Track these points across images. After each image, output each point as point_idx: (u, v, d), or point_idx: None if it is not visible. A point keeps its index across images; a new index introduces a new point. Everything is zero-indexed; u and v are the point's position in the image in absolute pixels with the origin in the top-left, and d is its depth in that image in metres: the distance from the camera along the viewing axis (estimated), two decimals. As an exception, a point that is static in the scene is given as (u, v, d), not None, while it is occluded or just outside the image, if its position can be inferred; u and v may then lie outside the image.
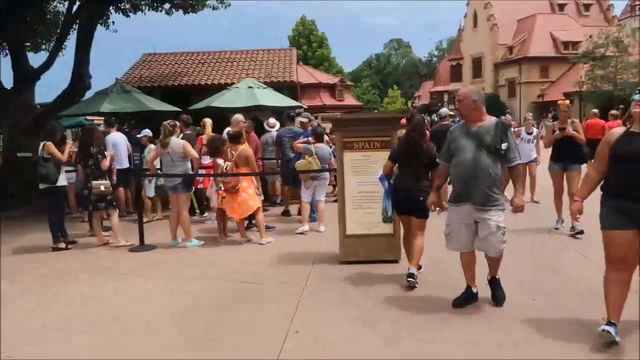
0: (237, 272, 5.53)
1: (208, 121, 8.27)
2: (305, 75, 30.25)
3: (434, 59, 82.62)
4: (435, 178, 4.59)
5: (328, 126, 14.21)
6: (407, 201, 4.81)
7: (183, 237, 6.87)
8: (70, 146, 6.99)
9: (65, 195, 6.89)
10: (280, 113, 10.23)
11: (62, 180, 6.90)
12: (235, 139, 6.80)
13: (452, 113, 9.48)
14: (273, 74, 14.33)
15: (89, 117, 13.01)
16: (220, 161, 6.87)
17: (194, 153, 6.84)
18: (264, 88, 10.87)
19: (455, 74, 51.82)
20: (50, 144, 6.81)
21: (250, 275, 5.41)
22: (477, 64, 48.59)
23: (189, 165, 6.93)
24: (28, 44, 12.79)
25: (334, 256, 5.85)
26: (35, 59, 12.49)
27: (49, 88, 12.39)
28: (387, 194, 4.91)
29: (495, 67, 45.98)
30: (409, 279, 4.66)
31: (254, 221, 7.11)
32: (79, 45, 11.97)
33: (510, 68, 43.92)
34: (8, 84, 11.90)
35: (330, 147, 10.66)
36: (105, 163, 6.84)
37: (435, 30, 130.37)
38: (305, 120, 8.45)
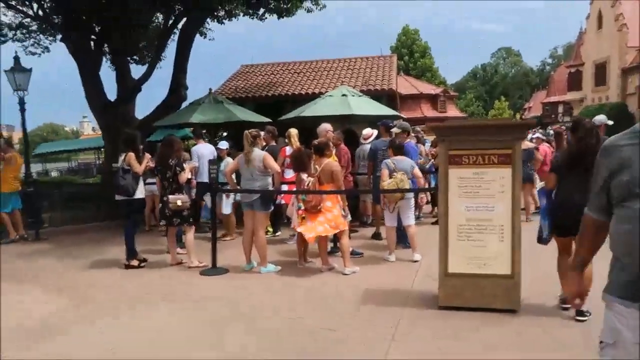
0: (313, 312, 4.60)
1: (294, 132, 7.52)
2: (406, 85, 29.02)
3: (547, 67, 76.79)
4: None
5: (430, 139, 13.00)
6: (573, 221, 3.55)
7: (258, 262, 6.11)
8: (148, 159, 6.59)
9: (141, 209, 6.52)
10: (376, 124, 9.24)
11: (140, 193, 6.51)
12: (320, 150, 5.92)
13: (609, 122, 7.58)
14: (371, 82, 13.39)
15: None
16: (304, 176, 6.03)
17: (275, 166, 6.07)
18: (359, 96, 9.96)
19: (574, 82, 47.01)
20: (131, 155, 6.46)
21: (328, 317, 4.45)
22: (600, 70, 43.55)
23: (270, 180, 6.18)
24: (134, 57, 13.17)
25: (431, 297, 4.70)
26: (136, 72, 12.79)
27: (147, 103, 12.42)
28: (544, 211, 4.33)
29: (623, 73, 40.79)
30: (578, 318, 4.04)
31: (338, 244, 6.16)
32: (177, 55, 12.02)
33: (642, 74, 38.71)
34: (111, 96, 12.25)
35: (430, 160, 9.49)
36: (184, 176, 6.32)
37: (549, 37, 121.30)
38: (398, 131, 7.32)
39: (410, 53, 44.89)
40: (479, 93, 72.54)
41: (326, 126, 6.71)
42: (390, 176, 6.12)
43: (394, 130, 7.36)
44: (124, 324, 4.49)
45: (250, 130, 6.19)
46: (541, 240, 4.38)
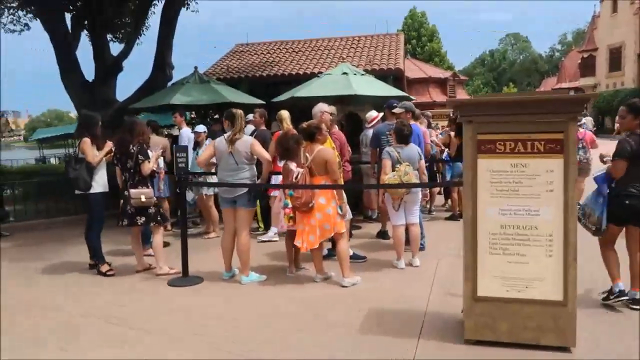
0: (300, 344, 3.54)
1: (285, 114, 6.40)
2: (414, 69, 27.73)
3: (557, 53, 74.94)
4: None
5: (441, 124, 11.84)
6: (635, 212, 3.84)
7: (239, 268, 5.06)
8: (111, 147, 5.50)
9: (102, 204, 5.47)
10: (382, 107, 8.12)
11: (99, 187, 5.44)
12: (310, 135, 4.82)
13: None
14: (376, 62, 12.18)
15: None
16: (293, 166, 4.94)
17: (266, 154, 4.99)
18: (362, 74, 8.81)
19: (587, 68, 45.49)
20: (85, 141, 5.40)
21: (318, 350, 3.39)
22: (615, 55, 41.96)
23: (256, 171, 5.10)
24: (116, 35, 12.05)
25: (454, 325, 3.64)
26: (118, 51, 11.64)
27: (131, 86, 11.27)
28: (604, 199, 3.94)
29: (639, 58, 39.28)
30: (633, 307, 3.83)
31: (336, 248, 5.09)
32: (161, 29, 10.90)
33: (659, 58, 37.14)
34: (90, 77, 11.15)
35: (433, 149, 8.34)
36: (148, 166, 5.24)
37: (558, 24, 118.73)
38: (400, 111, 6.17)
39: (418, 36, 43.36)
40: (487, 79, 70.93)
41: (322, 106, 5.60)
42: (394, 168, 5.04)
43: (396, 110, 6.23)
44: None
45: (238, 111, 5.10)
46: (599, 232, 3.98)
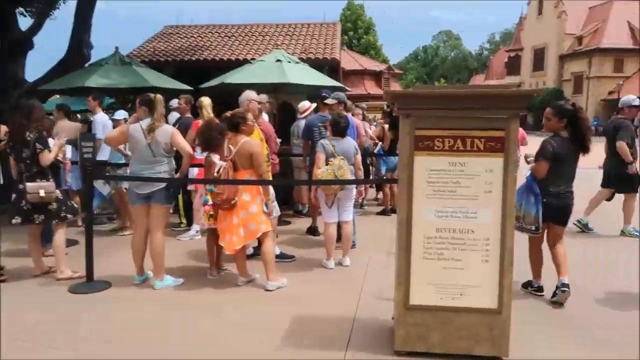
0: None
1: (206, 101, 5.87)
2: (350, 60, 27.67)
3: (485, 52, 78.49)
4: None
5: (372, 116, 11.71)
6: (561, 208, 4.06)
7: (153, 271, 4.54)
8: (5, 131, 4.75)
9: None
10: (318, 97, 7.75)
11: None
12: (234, 125, 4.37)
13: (635, 103, 6.34)
14: (311, 50, 11.81)
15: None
16: (216, 158, 4.47)
17: (187, 147, 4.47)
18: (297, 62, 8.41)
19: (513, 67, 47.84)
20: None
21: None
22: (539, 55, 44.38)
23: (174, 164, 4.58)
24: (23, 9, 10.81)
25: (385, 334, 3.39)
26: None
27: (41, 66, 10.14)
28: (536, 197, 4.00)
29: (560, 60, 41.76)
30: (563, 289, 3.97)
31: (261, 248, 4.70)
32: (79, 6, 9.90)
33: (578, 61, 39.64)
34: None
35: (367, 142, 8.15)
36: (47, 156, 4.56)
37: (488, 25, 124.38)
38: (333, 102, 5.87)
39: (355, 29, 43.48)
40: (420, 74, 72.82)
41: (249, 94, 5.15)
42: (327, 162, 4.73)
43: (328, 101, 5.91)
44: None
45: (158, 96, 4.54)
46: (537, 231, 4.02)
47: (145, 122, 4.39)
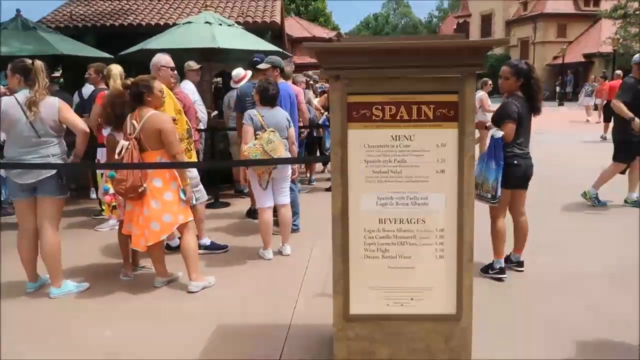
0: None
1: (115, 70, 4.94)
2: (297, 28, 26.61)
3: (435, 19, 78.57)
4: None
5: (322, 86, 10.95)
6: (526, 170, 3.84)
7: (49, 276, 3.76)
8: None
9: None
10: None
11: None
12: (137, 97, 3.58)
13: None
14: (249, 14, 10.85)
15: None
16: (120, 137, 3.68)
17: (80, 124, 3.65)
18: (229, 25, 7.54)
19: (461, 33, 47.87)
20: None
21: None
22: (486, 21, 44.58)
23: (65, 145, 3.76)
24: None
25: (324, 342, 2.82)
26: None
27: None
28: (498, 163, 3.67)
29: (506, 25, 42.07)
30: (519, 269, 3.91)
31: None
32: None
33: (523, 26, 40.02)
34: None
35: (311, 112, 7.46)
36: None
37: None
38: (266, 66, 5.08)
39: (302, -5, 42.00)
40: (371, 42, 72.04)
41: (160, 59, 4.32)
42: (256, 136, 4.05)
43: (261, 66, 5.16)
44: None
45: (39, 62, 3.67)
46: (494, 199, 3.70)
47: (22, 95, 3.53)
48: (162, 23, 10.04)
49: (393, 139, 2.34)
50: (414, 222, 2.40)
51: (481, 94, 9.01)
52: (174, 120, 4.05)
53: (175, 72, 4.46)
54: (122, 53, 7.31)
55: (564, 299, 3.48)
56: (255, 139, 4.06)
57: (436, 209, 2.39)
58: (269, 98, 4.29)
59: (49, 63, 7.33)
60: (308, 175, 8.22)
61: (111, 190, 3.58)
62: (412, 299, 2.44)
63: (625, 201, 6.06)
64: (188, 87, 5.59)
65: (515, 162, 3.74)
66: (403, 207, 2.39)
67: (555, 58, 35.96)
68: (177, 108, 4.25)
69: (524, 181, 3.85)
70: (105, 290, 3.78)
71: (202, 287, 3.74)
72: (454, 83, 2.29)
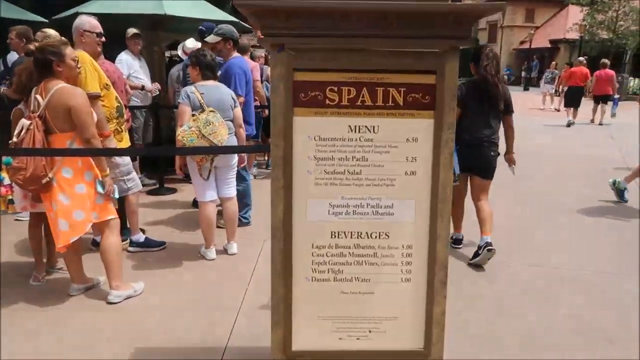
0: None
1: (51, 34, 4.19)
2: None
3: None
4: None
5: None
6: (476, 157, 3.76)
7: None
8: None
9: None
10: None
11: None
12: (44, 66, 2.90)
13: None
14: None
15: None
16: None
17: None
18: (180, -10, 6.77)
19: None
20: None
21: None
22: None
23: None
24: None
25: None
26: None
27: None
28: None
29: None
30: (489, 248, 3.64)
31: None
32: None
33: (492, 10, 40.00)
34: None
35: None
36: None
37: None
38: (216, 39, 4.30)
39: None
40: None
41: (84, 22, 3.60)
42: (193, 116, 3.46)
43: (209, 39, 4.52)
44: None
45: None
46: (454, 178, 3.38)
47: None
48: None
49: (351, 130, 1.81)
50: (375, 237, 1.89)
51: None
52: (100, 97, 3.41)
53: (103, 38, 3.76)
54: (56, 17, 6.46)
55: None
56: (193, 120, 3.45)
57: (403, 220, 1.88)
58: (206, 69, 3.67)
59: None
60: (266, 158, 7.61)
61: (6, 181, 2.91)
62: (370, 332, 1.95)
63: (614, 183, 5.68)
64: (123, 58, 4.88)
65: (458, 147, 3.52)
66: (362, 217, 1.87)
67: (522, 43, 36.10)
68: (104, 82, 3.59)
69: (473, 167, 3.83)
70: (9, 300, 3.14)
71: (126, 297, 3.15)
72: (431, 60, 1.77)
